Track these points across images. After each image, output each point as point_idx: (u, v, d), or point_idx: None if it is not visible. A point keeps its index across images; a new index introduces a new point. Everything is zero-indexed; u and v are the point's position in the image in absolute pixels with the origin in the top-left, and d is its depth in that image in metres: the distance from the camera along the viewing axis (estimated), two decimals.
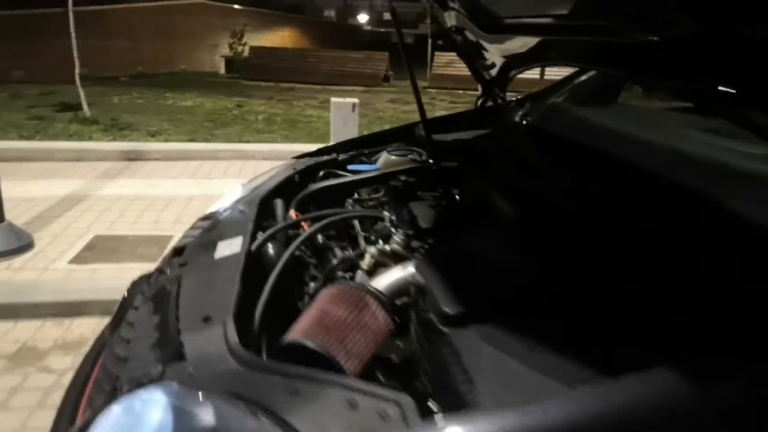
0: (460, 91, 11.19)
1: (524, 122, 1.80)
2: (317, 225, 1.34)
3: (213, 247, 1.34)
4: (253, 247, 1.30)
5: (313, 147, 5.79)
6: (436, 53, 12.75)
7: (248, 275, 1.15)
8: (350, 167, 1.83)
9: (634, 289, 0.81)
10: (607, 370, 0.68)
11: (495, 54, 1.71)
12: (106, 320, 2.58)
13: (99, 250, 3.21)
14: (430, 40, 12.60)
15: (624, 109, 1.90)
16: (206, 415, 0.72)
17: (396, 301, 1.04)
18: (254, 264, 1.23)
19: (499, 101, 1.97)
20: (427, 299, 0.91)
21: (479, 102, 2.00)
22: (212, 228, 1.51)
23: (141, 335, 1.03)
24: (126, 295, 1.27)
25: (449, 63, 12.12)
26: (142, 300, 1.18)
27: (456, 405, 0.72)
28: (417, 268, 1.00)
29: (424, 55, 13.35)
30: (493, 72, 1.83)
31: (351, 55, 13.24)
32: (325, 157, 1.94)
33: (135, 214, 3.81)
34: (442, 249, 1.10)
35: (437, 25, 1.83)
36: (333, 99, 2.76)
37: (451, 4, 1.59)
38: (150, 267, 2.93)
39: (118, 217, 3.74)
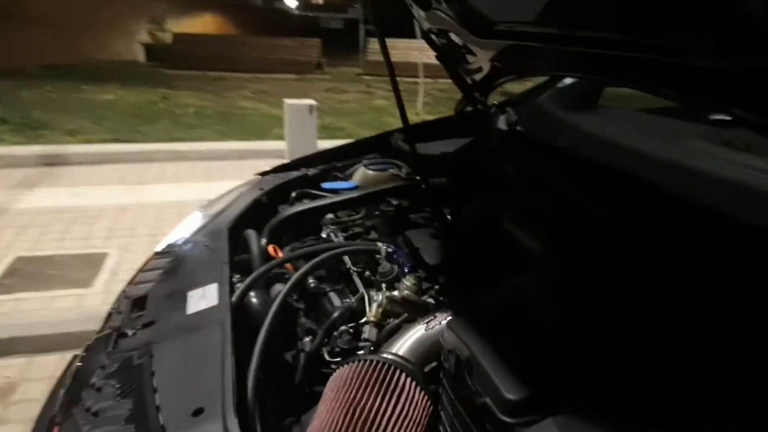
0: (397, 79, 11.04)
1: (515, 130, 1.67)
2: (307, 266, 1.15)
3: (182, 298, 1.13)
4: (234, 298, 1.09)
5: (253, 144, 5.48)
6: (369, 39, 12.53)
7: (239, 341, 0.95)
8: (325, 185, 1.64)
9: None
10: None
11: (483, 60, 1.57)
12: (37, 359, 2.27)
13: (22, 275, 2.83)
14: (362, 26, 12.36)
15: (612, 112, 1.82)
16: None
17: (425, 368, 0.88)
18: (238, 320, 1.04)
19: (480, 107, 1.83)
20: (477, 378, 0.75)
21: (460, 107, 1.85)
22: (175, 269, 1.29)
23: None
24: (79, 364, 1.04)
25: None
26: (104, 376, 0.96)
27: None
28: (453, 329, 0.84)
29: (354, 41, 13.11)
30: (478, 77, 1.68)
31: (281, 42, 12.76)
32: (294, 174, 1.74)
33: (60, 229, 3.41)
34: (479, 302, 0.94)
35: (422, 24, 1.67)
36: (287, 101, 2.52)
37: (436, 5, 1.43)
38: (84, 293, 2.62)
39: (42, 233, 3.34)
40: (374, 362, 0.79)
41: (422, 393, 0.77)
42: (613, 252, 1.01)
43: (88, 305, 2.59)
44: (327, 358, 1.03)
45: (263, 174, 1.79)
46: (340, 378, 0.79)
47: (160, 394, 0.84)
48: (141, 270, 1.39)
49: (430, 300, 1.08)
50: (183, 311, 1.08)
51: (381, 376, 0.77)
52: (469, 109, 1.87)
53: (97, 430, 0.83)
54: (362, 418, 0.72)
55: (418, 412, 0.76)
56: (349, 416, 0.72)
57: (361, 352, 1.01)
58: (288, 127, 2.41)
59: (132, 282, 1.37)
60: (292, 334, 1.11)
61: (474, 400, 0.74)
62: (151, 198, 4.03)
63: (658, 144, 1.31)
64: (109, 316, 1.30)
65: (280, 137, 5.88)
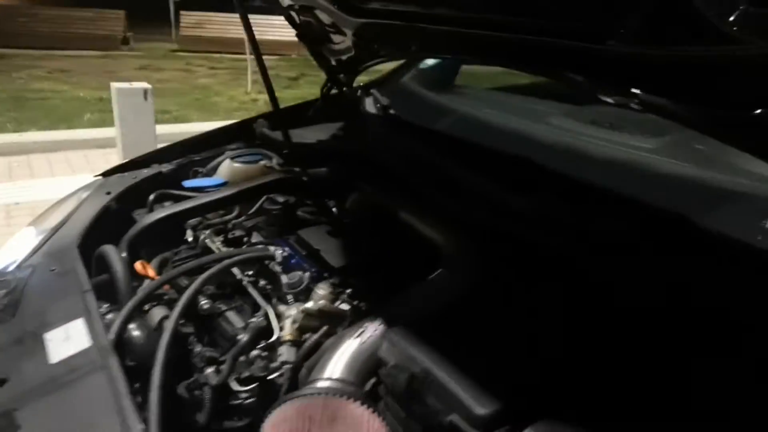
0: (215, 55, 10.39)
1: (389, 114, 1.62)
2: (196, 284, 0.99)
3: (37, 342, 0.91)
4: (112, 335, 0.90)
5: (59, 132, 4.78)
6: (182, 12, 11.60)
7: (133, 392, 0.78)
8: (187, 184, 1.44)
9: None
10: None
11: (350, 40, 1.48)
12: None
13: None
14: None
15: (478, 93, 1.86)
16: None
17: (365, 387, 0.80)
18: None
19: (345, 89, 1.75)
20: (437, 394, 0.70)
21: (324, 90, 1.75)
22: (15, 305, 1.03)
23: None
24: None
25: (199, 23, 11.11)
26: None
27: None
28: (396, 343, 0.77)
29: (164, 13, 12.06)
30: (344, 58, 1.59)
31: (76, 14, 11.21)
32: (145, 172, 1.50)
33: None
34: (410, 309, 0.87)
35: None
36: (115, 85, 2.16)
37: None
38: None
39: None
40: (319, 396, 0.69)
41: (380, 419, 0.70)
42: (513, 238, 1.02)
43: None
44: (236, 388, 0.90)
45: (105, 174, 1.53)
46: (282, 422, 0.68)
47: None
48: None
49: (344, 306, 0.99)
50: (44, 360, 0.86)
51: (331, 411, 0.68)
52: (334, 92, 1.78)
53: None
54: None
55: None
56: None
57: (277, 375, 0.90)
58: (119, 115, 2.08)
59: None
60: (185, 365, 0.96)
61: (438, 419, 0.68)
62: None
63: (532, 124, 1.36)
64: None
65: (96, 124, 5.21)
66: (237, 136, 1.68)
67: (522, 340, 0.77)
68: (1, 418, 0.75)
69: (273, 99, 1.48)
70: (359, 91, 1.80)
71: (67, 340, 0.89)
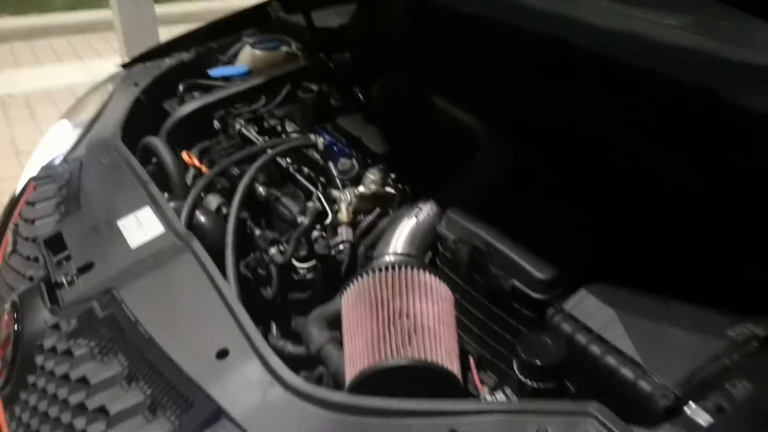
0: None
1: None
2: (251, 172, 1.05)
3: (112, 230, 0.97)
4: (183, 221, 0.97)
5: (39, 17, 4.55)
6: None
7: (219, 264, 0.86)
8: (213, 73, 1.44)
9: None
10: (754, 312, 0.68)
11: None
12: None
13: None
14: None
15: None
16: None
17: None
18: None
19: None
20: (499, 263, 0.79)
21: None
22: (75, 197, 1.08)
23: (117, 398, 0.72)
24: (21, 330, 0.86)
25: None
26: (62, 337, 0.82)
27: (617, 388, 0.66)
28: (456, 220, 0.85)
29: None
30: None
31: None
32: (168, 62, 1.49)
33: None
34: (461, 189, 0.95)
35: None
36: None
37: None
38: None
39: None
40: (392, 267, 0.78)
41: (442, 283, 0.79)
42: (547, 120, 1.08)
43: None
44: (298, 265, 0.99)
45: (126, 65, 1.51)
46: (364, 290, 0.77)
47: (162, 342, 0.75)
48: (23, 202, 1.15)
49: (391, 190, 1.06)
50: (124, 246, 0.93)
51: (405, 279, 0.77)
52: None
53: (93, 398, 0.73)
54: (407, 322, 0.72)
55: (448, 304, 0.78)
56: (393, 325, 0.72)
57: (337, 253, 0.99)
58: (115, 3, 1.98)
59: (16, 218, 1.13)
60: (245, 247, 1.04)
61: (499, 285, 0.78)
62: None
63: (564, 3, 1.35)
64: (3, 265, 1.09)
65: (72, 5, 4.91)
66: (252, 20, 1.65)
67: (566, 214, 0.86)
68: (102, 296, 0.84)
69: None
70: None
71: (140, 227, 0.96)
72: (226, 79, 1.42)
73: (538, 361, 0.65)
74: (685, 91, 0.95)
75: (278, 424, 0.66)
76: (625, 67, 1.03)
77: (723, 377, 0.63)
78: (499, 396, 0.74)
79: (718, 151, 0.86)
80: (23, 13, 4.67)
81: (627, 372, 0.65)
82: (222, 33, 1.61)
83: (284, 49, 1.51)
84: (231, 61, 1.54)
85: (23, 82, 3.33)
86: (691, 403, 0.61)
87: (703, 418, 0.59)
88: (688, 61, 1.06)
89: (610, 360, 0.66)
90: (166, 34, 2.03)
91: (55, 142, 1.30)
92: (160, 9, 2.91)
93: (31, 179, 1.19)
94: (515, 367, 0.68)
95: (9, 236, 1.12)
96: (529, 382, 0.66)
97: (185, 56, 1.51)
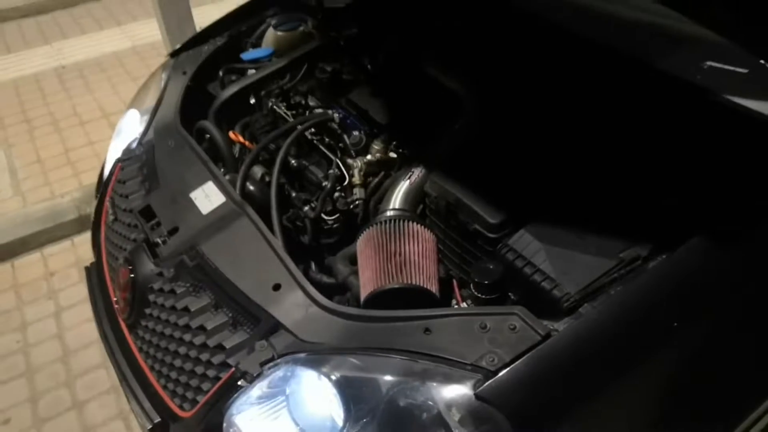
0: None
1: None
2: (285, 146, 1.35)
3: (187, 201, 1.30)
4: (238, 189, 1.29)
5: None
6: None
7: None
8: (245, 57, 1.72)
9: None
10: (643, 241, 0.97)
11: None
12: None
13: None
14: None
15: None
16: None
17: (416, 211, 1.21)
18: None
19: None
20: (465, 212, 1.09)
21: None
22: (154, 175, 1.42)
23: (210, 319, 1.07)
24: (136, 278, 1.21)
25: None
26: (166, 281, 1.17)
27: (539, 297, 0.97)
28: (436, 181, 1.15)
29: None
30: None
31: None
32: (206, 48, 1.77)
33: None
34: (443, 153, 1.23)
35: None
36: None
37: None
38: None
39: None
40: (389, 220, 1.10)
41: (427, 230, 1.11)
42: (520, 87, 1.33)
43: (10, 210, 2.54)
44: (326, 218, 1.31)
45: (173, 54, 1.80)
46: (370, 237, 1.09)
47: (235, 281, 1.09)
48: (113, 180, 1.50)
49: (393, 155, 1.36)
50: (197, 212, 1.26)
51: (398, 228, 1.09)
52: None
53: (195, 320, 1.09)
54: (399, 258, 1.05)
55: (430, 243, 1.10)
56: (391, 260, 1.04)
57: (353, 207, 1.31)
58: None
59: (110, 193, 1.49)
60: (285, 206, 1.36)
61: (466, 228, 1.09)
62: None
63: None
64: (108, 229, 1.45)
65: None
66: (272, 1, 1.89)
67: (515, 173, 1.14)
68: (190, 251, 1.19)
69: None
70: None
71: (207, 197, 1.29)
72: (255, 61, 1.70)
73: (485, 281, 0.97)
74: (623, 60, 1.18)
75: (315, 330, 1.00)
76: (571, 36, 1.25)
77: (611, 286, 0.94)
78: (463, 305, 1.07)
79: (635, 112, 1.12)
80: None
81: (546, 284, 0.96)
82: (248, 16, 1.87)
83: (302, 28, 1.77)
84: (258, 42, 1.81)
85: (72, 53, 3.66)
86: (586, 304, 0.92)
87: (588, 312, 0.90)
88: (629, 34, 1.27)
89: (536, 277, 0.97)
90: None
91: (128, 128, 1.62)
92: None
93: (118, 160, 1.53)
94: (471, 287, 1.00)
95: (108, 207, 1.48)
96: (480, 295, 0.98)
97: (220, 41, 1.79)
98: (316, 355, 0.95)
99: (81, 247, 2.38)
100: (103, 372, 1.89)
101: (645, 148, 1.10)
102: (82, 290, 2.20)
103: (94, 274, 1.46)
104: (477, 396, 0.81)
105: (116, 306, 1.30)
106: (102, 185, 1.57)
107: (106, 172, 1.59)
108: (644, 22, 1.23)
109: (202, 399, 1.03)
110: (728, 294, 0.93)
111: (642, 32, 1.23)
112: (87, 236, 2.39)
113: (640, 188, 1.05)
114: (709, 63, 1.08)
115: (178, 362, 1.11)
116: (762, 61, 0.94)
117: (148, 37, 3.70)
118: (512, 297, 1.02)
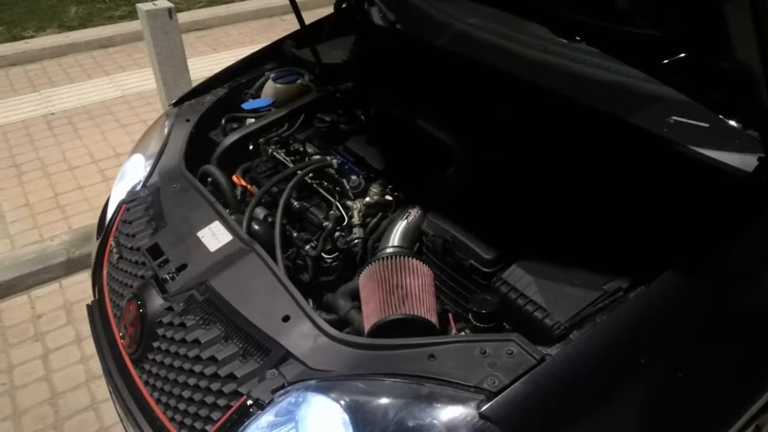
0: None
1: (395, 28, 1.93)
2: (287, 190, 1.44)
3: (192, 239, 1.37)
4: (245, 229, 1.36)
5: (62, 35, 4.92)
6: None
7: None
8: (245, 106, 1.83)
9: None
10: (623, 275, 1.08)
11: None
12: None
13: None
14: None
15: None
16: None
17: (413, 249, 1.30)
18: None
19: (353, 2, 2.05)
20: (461, 249, 1.19)
21: (337, 5, 2.05)
22: (160, 216, 1.48)
23: (221, 350, 1.12)
24: (145, 313, 1.26)
25: None
26: (176, 315, 1.22)
27: (532, 325, 1.06)
28: (433, 221, 1.25)
29: None
30: None
31: None
32: (208, 98, 1.88)
33: None
34: (437, 196, 1.34)
35: None
36: (141, 6, 2.36)
37: None
38: None
39: None
40: (391, 257, 1.19)
41: (425, 266, 1.20)
42: (504, 138, 1.46)
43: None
44: (326, 257, 1.39)
45: (175, 104, 1.90)
46: (373, 272, 1.17)
47: (245, 313, 1.15)
48: (118, 220, 1.56)
49: (389, 198, 1.46)
50: (205, 250, 1.33)
51: (398, 263, 1.17)
52: (344, 5, 2.08)
53: (205, 351, 1.14)
54: (401, 291, 1.12)
55: (429, 278, 1.18)
56: (393, 293, 1.12)
57: (352, 246, 1.39)
58: (151, 40, 2.30)
59: (114, 233, 1.54)
60: (286, 245, 1.43)
61: (462, 264, 1.19)
62: None
63: (527, 41, 1.68)
64: (111, 268, 1.49)
65: (84, 18, 5.26)
66: (270, 57, 2.02)
67: (510, 210, 1.25)
68: (199, 286, 1.25)
69: (299, 18, 1.80)
70: (366, 4, 2.10)
71: (214, 236, 1.36)
72: (256, 111, 1.81)
73: (483, 311, 1.06)
74: (598, 114, 1.32)
75: (324, 358, 1.06)
76: (556, 97, 1.40)
77: (596, 315, 1.03)
78: (461, 334, 1.15)
79: (610, 161, 1.25)
80: (42, 30, 5.05)
81: (538, 314, 1.05)
82: (247, 69, 1.99)
83: (299, 81, 1.89)
84: (257, 94, 1.92)
85: (61, 101, 3.73)
86: (575, 331, 1.01)
87: (577, 338, 0.99)
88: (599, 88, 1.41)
89: (528, 307, 1.06)
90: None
91: (131, 171, 1.69)
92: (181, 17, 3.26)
93: (122, 202, 1.59)
94: (470, 316, 1.08)
95: (112, 247, 1.53)
96: (478, 324, 1.07)
97: (221, 92, 1.90)
98: (325, 382, 1.01)
99: (69, 290, 2.38)
100: (92, 414, 1.89)
101: (620, 190, 1.23)
102: (69, 332, 2.21)
103: (96, 312, 1.49)
104: (481, 415, 0.88)
105: (121, 341, 1.34)
106: (105, 226, 1.62)
107: (109, 214, 1.65)
108: (615, 81, 1.38)
109: (211, 429, 1.07)
110: (700, 318, 1.04)
111: (613, 90, 1.38)
112: (75, 279, 2.43)
113: (618, 226, 1.16)
114: (674, 117, 1.24)
115: (186, 393, 1.15)
116: (720, 116, 1.09)
117: (136, 86, 3.81)
118: (507, 326, 1.10)
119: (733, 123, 1.08)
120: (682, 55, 1.03)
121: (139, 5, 2.42)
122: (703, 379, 1.02)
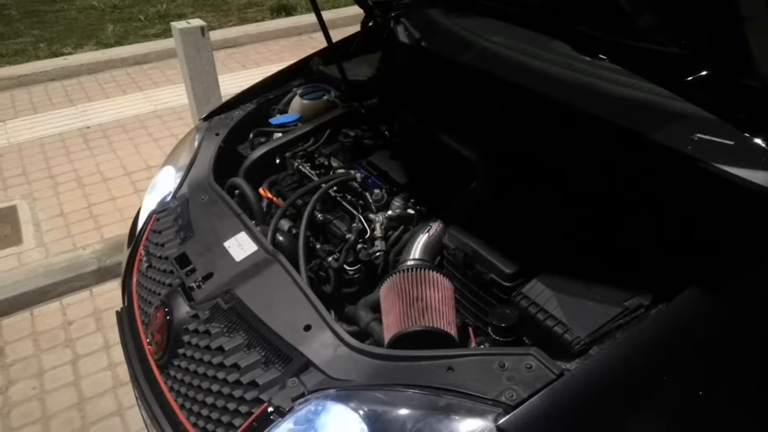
0: None
1: (414, 41, 1.95)
2: (312, 203, 1.47)
3: (220, 250, 1.40)
4: (270, 240, 1.39)
5: (99, 52, 5.10)
6: None
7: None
8: (273, 121, 1.87)
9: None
10: (644, 291, 1.07)
11: None
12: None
13: None
14: None
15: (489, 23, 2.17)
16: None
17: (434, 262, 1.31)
18: None
19: (380, 20, 2.09)
20: (481, 263, 1.20)
21: (364, 24, 2.09)
22: (188, 226, 1.53)
23: (244, 357, 1.15)
24: (172, 320, 1.30)
25: None
26: (201, 323, 1.25)
27: (552, 340, 1.06)
28: (455, 235, 1.26)
29: None
30: None
31: None
32: (237, 113, 1.93)
33: None
34: (458, 210, 1.36)
35: None
36: (175, 25, 2.46)
37: None
38: (20, 250, 2.65)
39: None
40: (411, 269, 1.20)
41: (446, 279, 1.21)
42: (524, 154, 1.46)
43: (33, 260, 2.63)
44: (348, 269, 1.41)
45: (206, 118, 1.96)
46: (394, 284, 1.19)
47: (268, 322, 1.18)
48: (148, 230, 1.61)
49: (411, 211, 1.48)
50: (231, 260, 1.36)
51: (419, 276, 1.18)
52: (370, 24, 2.13)
53: (229, 358, 1.16)
54: (421, 304, 1.14)
55: (449, 291, 1.20)
56: (414, 305, 1.13)
57: (374, 258, 1.41)
58: (185, 58, 2.40)
59: (144, 242, 1.59)
60: (310, 257, 1.46)
61: (483, 278, 1.19)
62: (17, 136, 3.75)
63: (550, 58, 1.69)
64: (141, 276, 1.54)
65: (121, 36, 5.45)
66: (298, 73, 2.07)
67: (531, 225, 1.26)
68: (224, 294, 1.28)
69: (327, 36, 1.85)
70: (392, 23, 2.13)
71: (240, 246, 1.40)
72: (283, 125, 1.85)
73: (502, 324, 1.06)
74: (621, 131, 1.31)
75: (344, 368, 1.07)
76: (572, 110, 1.39)
77: (617, 331, 1.03)
78: (481, 347, 1.15)
79: (633, 178, 1.25)
80: (81, 47, 5.24)
81: (558, 329, 1.05)
82: (276, 85, 2.04)
83: (325, 97, 1.93)
84: (285, 109, 1.97)
85: (97, 115, 3.86)
86: (595, 347, 1.01)
87: (596, 354, 0.99)
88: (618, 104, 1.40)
89: (548, 322, 1.06)
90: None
91: (164, 183, 1.75)
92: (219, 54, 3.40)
93: (152, 212, 1.64)
94: (490, 330, 1.09)
95: (142, 255, 1.58)
96: (497, 338, 1.07)
97: (249, 107, 1.95)
98: (345, 391, 1.02)
99: (99, 298, 2.45)
100: (118, 419, 1.93)
101: (643, 207, 1.22)
102: (98, 339, 2.26)
103: (125, 318, 1.54)
104: (498, 428, 0.89)
105: (148, 347, 1.37)
106: (136, 235, 1.68)
107: (140, 224, 1.70)
108: (638, 98, 1.38)
109: None
110: (721, 336, 1.02)
111: (637, 107, 1.38)
112: (106, 287, 2.50)
113: (640, 242, 1.16)
114: (698, 135, 1.23)
115: (209, 399, 1.17)
116: (745, 134, 1.08)
117: (169, 102, 3.93)
118: (526, 341, 1.11)
119: (758, 141, 1.08)
120: (705, 72, 1.03)
121: (173, 24, 2.51)
122: (724, 398, 1.01)
